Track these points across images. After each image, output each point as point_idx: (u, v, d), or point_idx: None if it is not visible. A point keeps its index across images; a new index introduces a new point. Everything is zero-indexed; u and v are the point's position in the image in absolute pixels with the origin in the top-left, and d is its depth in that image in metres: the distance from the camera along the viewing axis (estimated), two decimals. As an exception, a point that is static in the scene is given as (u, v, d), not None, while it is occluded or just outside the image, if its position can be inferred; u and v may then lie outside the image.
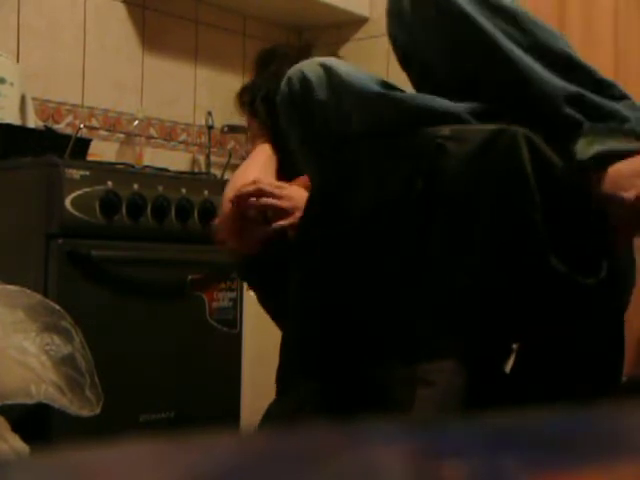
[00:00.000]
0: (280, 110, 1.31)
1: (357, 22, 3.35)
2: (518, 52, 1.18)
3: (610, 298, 1.12)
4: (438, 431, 0.37)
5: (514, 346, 1.19)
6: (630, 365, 1.29)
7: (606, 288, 1.09)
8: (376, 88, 1.23)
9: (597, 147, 1.12)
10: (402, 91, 1.23)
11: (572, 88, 1.16)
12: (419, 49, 1.25)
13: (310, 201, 1.28)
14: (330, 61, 1.28)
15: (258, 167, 1.61)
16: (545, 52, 1.19)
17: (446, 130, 1.16)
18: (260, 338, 2.43)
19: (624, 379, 1.20)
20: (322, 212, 1.26)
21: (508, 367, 1.20)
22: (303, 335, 1.28)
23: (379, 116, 1.22)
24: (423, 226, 1.15)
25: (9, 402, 1.54)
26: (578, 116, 1.15)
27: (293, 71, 1.28)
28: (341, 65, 1.27)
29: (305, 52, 1.56)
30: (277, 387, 1.31)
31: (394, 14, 1.25)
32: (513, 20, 1.19)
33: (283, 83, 1.29)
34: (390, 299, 1.18)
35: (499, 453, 0.32)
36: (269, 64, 1.69)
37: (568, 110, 1.15)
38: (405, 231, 1.17)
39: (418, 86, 1.29)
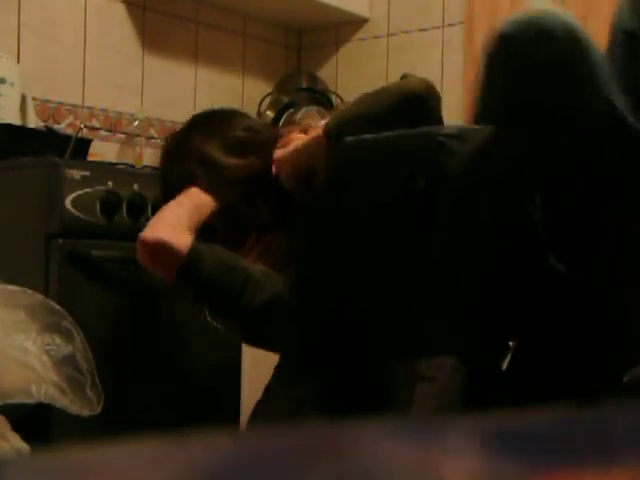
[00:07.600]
0: (488, 51, 1.07)
1: (357, 22, 3.35)
2: None
3: (608, 297, 1.12)
4: (438, 430, 0.37)
5: (511, 344, 1.19)
6: None
7: (604, 287, 1.09)
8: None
9: None
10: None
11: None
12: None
13: (312, 199, 1.28)
14: (581, 33, 1.04)
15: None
16: None
17: (452, 128, 1.16)
18: (260, 338, 2.43)
19: (624, 379, 1.20)
20: (323, 210, 1.26)
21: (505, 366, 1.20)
22: (303, 333, 1.28)
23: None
24: (423, 224, 1.15)
25: (10, 402, 1.54)
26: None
27: (526, 17, 1.01)
28: (592, 44, 1.04)
29: None
30: (278, 383, 1.31)
31: None
32: None
33: (511, 24, 1.02)
34: (390, 297, 1.19)
35: (499, 453, 0.32)
36: None
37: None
38: (405, 229, 1.17)
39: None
